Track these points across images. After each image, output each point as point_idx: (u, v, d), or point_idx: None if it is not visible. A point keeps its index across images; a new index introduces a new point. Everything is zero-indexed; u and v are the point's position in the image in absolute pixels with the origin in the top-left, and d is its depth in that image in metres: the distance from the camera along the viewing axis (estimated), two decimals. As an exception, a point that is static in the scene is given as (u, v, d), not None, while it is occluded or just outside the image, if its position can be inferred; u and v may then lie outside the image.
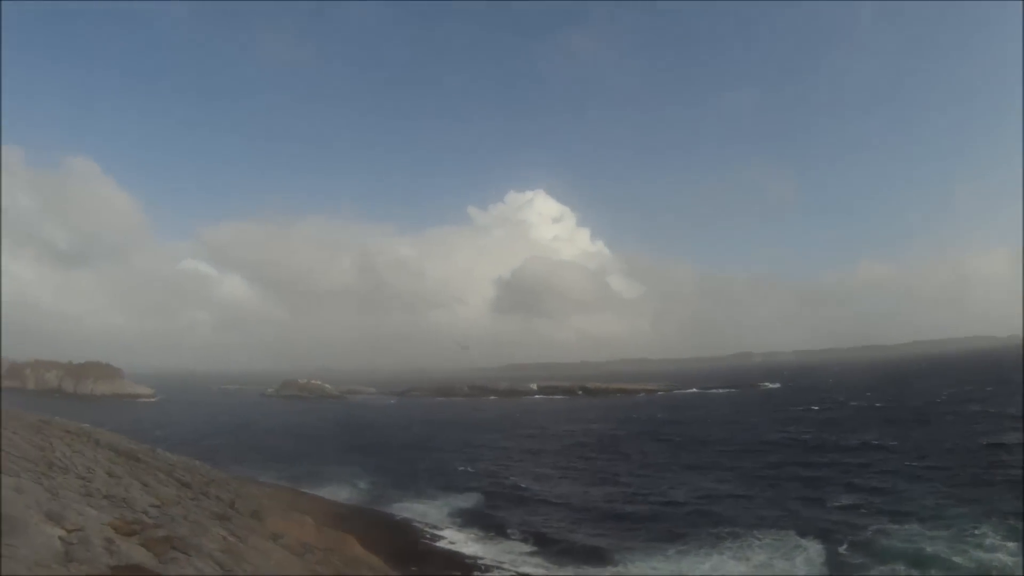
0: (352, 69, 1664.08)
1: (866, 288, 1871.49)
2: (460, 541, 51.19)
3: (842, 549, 43.03)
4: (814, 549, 43.18)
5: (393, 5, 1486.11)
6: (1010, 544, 40.51)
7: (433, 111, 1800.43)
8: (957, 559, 39.40)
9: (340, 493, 68.76)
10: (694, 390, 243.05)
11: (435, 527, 55.07)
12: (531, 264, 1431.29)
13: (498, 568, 44.33)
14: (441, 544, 50.36)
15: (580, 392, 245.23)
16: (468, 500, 64.12)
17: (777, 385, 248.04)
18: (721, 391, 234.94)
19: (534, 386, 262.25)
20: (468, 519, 57.77)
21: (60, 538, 15.02)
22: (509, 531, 52.99)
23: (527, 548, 49.08)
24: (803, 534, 45.94)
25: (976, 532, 43.38)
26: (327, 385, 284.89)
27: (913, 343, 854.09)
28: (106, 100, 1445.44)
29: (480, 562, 45.64)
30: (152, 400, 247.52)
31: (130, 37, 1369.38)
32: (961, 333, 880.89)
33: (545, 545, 49.21)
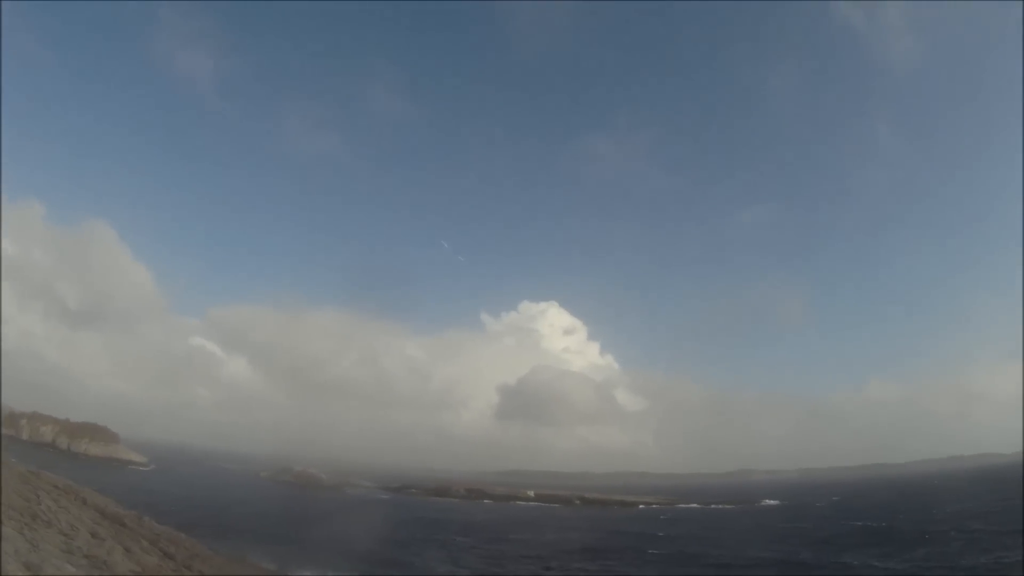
0: (373, 164, 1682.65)
1: (873, 406, 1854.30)
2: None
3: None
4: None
5: (417, 102, 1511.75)
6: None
7: (454, 215, 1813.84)
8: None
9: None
10: (695, 505, 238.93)
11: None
12: (537, 372, 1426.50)
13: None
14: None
15: (578, 502, 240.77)
16: None
17: (776, 502, 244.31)
18: (721, 507, 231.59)
19: (531, 493, 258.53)
20: None
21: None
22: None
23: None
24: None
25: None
26: (322, 475, 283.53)
27: (921, 461, 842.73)
28: (128, 165, 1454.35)
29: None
30: (145, 468, 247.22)
31: (158, 102, 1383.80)
32: (968, 451, 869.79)
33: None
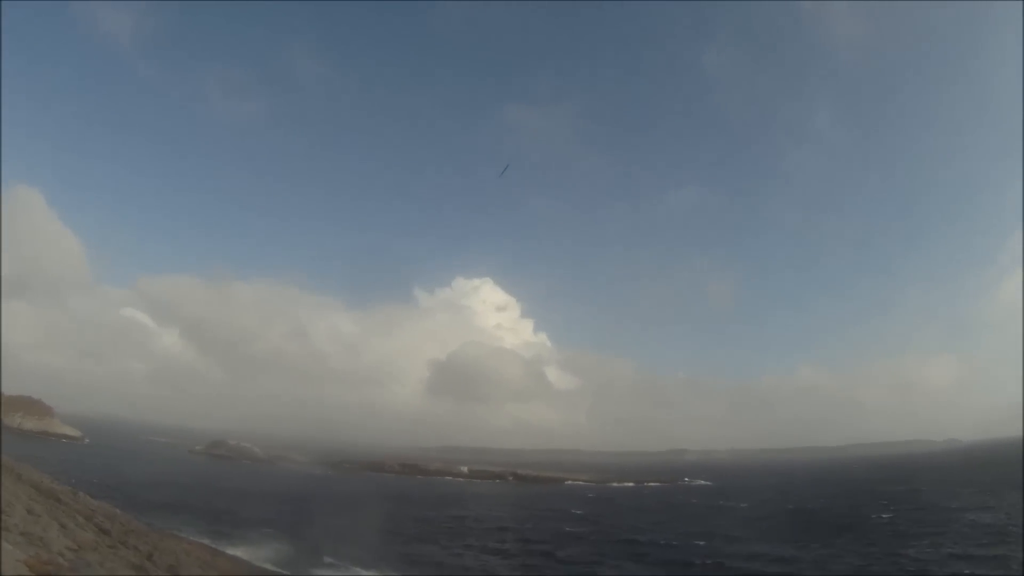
0: (300, 134, 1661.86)
1: (804, 390, 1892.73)
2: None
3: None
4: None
5: (340, 70, 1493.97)
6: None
7: (387, 187, 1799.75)
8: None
9: (258, 554, 68.50)
10: (629, 484, 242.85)
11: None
12: (468, 349, 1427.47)
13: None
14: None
15: (511, 478, 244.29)
16: (393, 572, 64.40)
17: (708, 483, 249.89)
18: (652, 485, 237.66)
19: (465, 469, 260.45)
20: None
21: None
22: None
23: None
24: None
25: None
26: (256, 449, 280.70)
27: (851, 446, 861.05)
28: (55, 129, 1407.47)
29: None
30: (80, 442, 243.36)
31: (83, 64, 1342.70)
32: (899, 437, 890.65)
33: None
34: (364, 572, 63.82)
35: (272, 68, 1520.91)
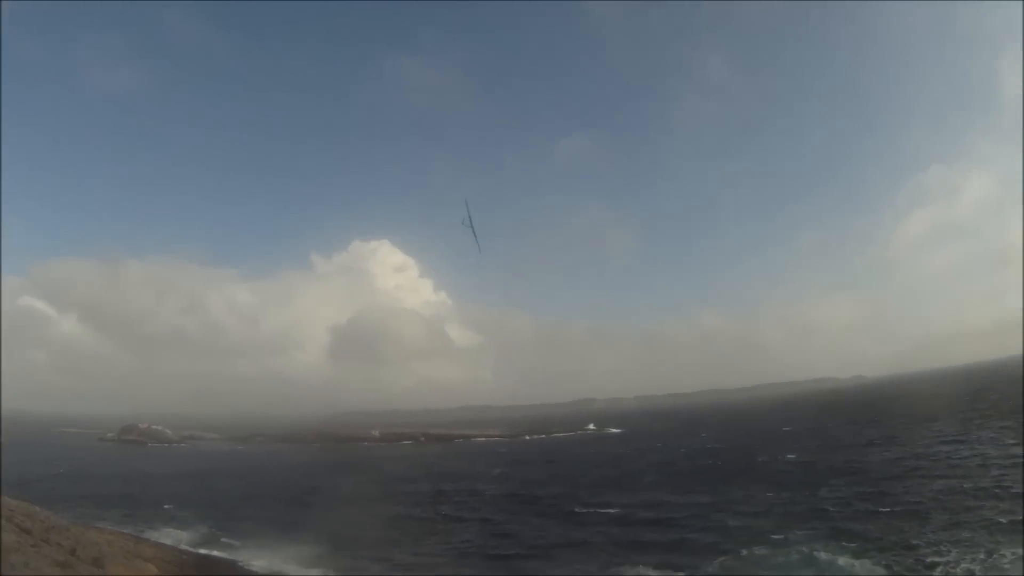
0: (191, 102, 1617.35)
1: (707, 335, 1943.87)
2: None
3: None
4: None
5: (220, 26, 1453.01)
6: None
7: (276, 154, 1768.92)
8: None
9: (181, 538, 68.76)
10: (541, 436, 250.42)
11: (280, 573, 56.42)
12: (368, 311, 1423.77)
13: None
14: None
15: (422, 438, 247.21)
16: (311, 545, 65.13)
17: (618, 430, 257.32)
18: (562, 436, 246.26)
19: (376, 432, 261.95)
20: (314, 563, 59.09)
21: None
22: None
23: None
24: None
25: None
26: (168, 430, 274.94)
27: (757, 387, 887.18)
28: None
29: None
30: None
31: None
32: (804, 376, 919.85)
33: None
34: (256, 551, 64.65)
35: (148, 36, 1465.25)
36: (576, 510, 79.45)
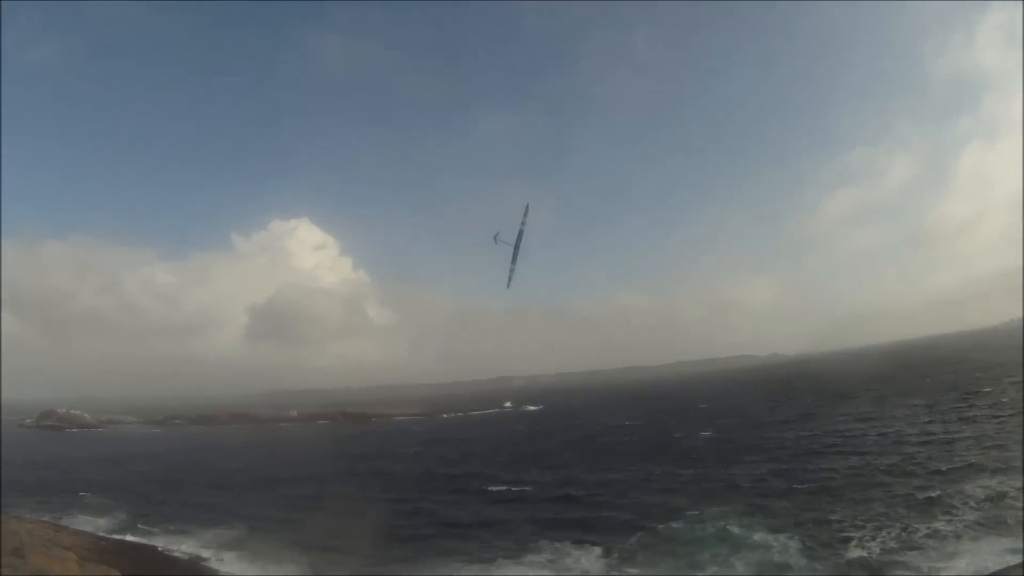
0: (107, 79, 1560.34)
1: (626, 312, 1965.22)
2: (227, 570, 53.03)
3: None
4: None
5: (145, 11, 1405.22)
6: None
7: (195, 129, 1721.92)
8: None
9: (99, 525, 68.36)
10: (459, 415, 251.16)
11: (199, 558, 56.16)
12: (286, 291, 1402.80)
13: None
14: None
15: (340, 418, 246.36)
16: (229, 528, 65.48)
17: (537, 407, 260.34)
18: (479, 414, 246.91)
19: (294, 413, 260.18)
20: (232, 547, 59.82)
21: None
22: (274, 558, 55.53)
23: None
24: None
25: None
26: (86, 415, 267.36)
27: (675, 364, 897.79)
28: None
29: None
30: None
31: None
32: (723, 354, 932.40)
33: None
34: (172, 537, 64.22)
35: (62, 10, 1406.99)
36: (491, 488, 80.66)
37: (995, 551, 40.98)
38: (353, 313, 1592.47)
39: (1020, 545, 41.14)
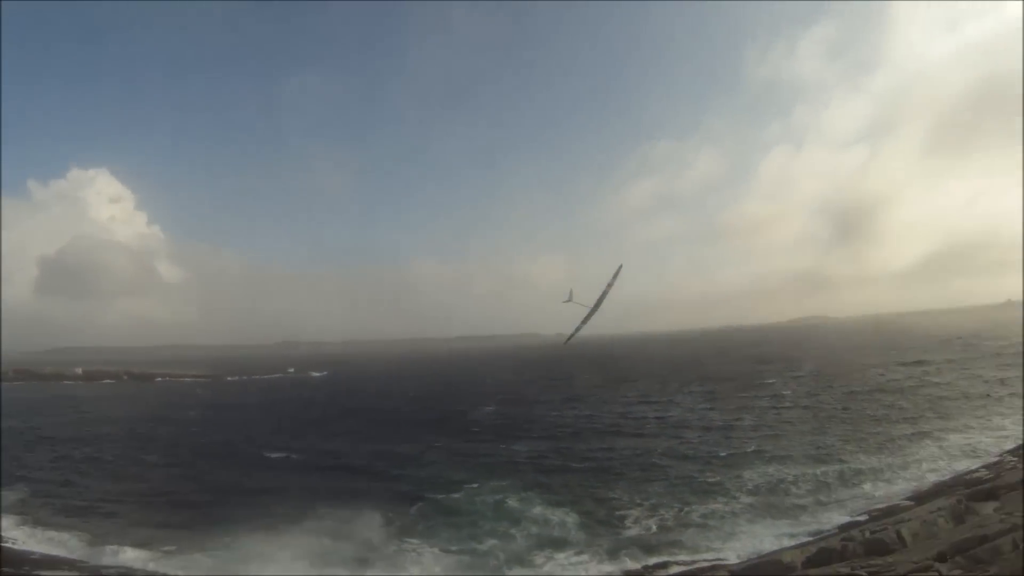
0: None
1: (418, 282, 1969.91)
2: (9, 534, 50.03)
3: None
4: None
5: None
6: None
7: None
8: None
9: None
10: (244, 378, 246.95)
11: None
12: (78, 243, 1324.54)
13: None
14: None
15: (125, 377, 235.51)
16: (9, 491, 61.22)
17: (322, 374, 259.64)
18: (262, 378, 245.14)
19: (79, 371, 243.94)
20: (11, 510, 55.95)
21: None
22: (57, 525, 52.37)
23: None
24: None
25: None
26: None
27: (461, 338, 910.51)
28: None
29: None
30: None
31: None
32: (511, 331, 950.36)
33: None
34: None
35: None
36: (272, 455, 78.67)
37: (772, 534, 43.66)
38: (145, 270, 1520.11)
39: (795, 530, 43.92)
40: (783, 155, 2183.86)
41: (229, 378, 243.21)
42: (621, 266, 31.84)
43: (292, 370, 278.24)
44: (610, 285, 31.18)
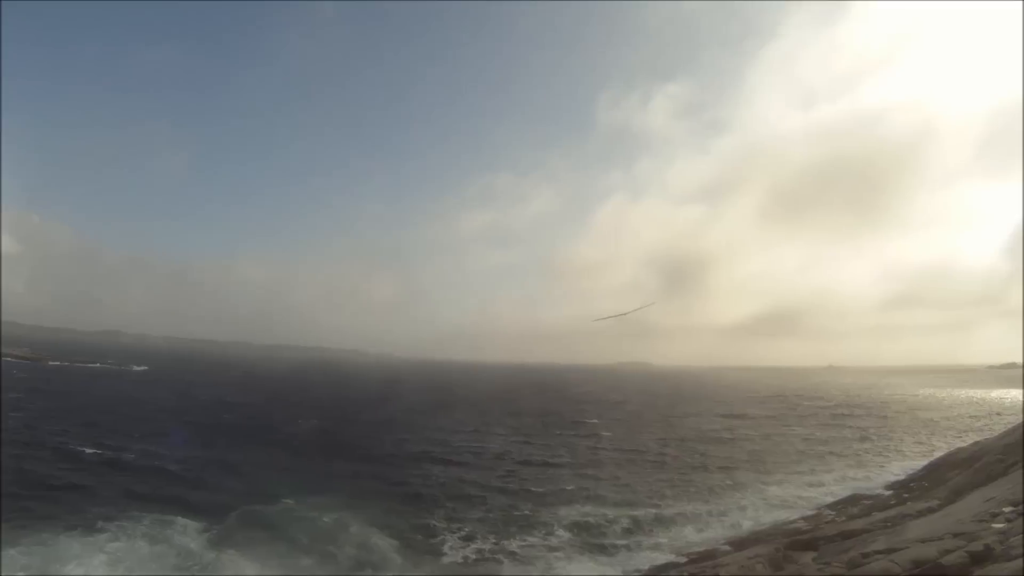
0: None
1: (244, 283, 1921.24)
2: None
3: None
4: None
5: None
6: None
7: None
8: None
9: None
10: (66, 364, 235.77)
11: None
12: None
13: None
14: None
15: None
16: None
17: (142, 368, 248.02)
18: (83, 366, 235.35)
19: None
20: None
21: None
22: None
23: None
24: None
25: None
26: None
27: (283, 346, 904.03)
28: None
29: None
30: None
31: None
32: (334, 345, 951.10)
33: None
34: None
35: None
36: (86, 450, 74.97)
37: (589, 571, 44.83)
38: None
39: (613, 569, 45.24)
40: (621, 203, 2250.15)
41: (52, 362, 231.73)
42: (655, 302, 35.15)
43: (111, 361, 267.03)
44: (643, 308, 34.46)
